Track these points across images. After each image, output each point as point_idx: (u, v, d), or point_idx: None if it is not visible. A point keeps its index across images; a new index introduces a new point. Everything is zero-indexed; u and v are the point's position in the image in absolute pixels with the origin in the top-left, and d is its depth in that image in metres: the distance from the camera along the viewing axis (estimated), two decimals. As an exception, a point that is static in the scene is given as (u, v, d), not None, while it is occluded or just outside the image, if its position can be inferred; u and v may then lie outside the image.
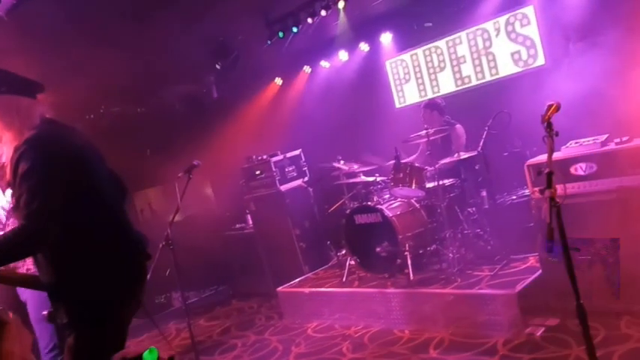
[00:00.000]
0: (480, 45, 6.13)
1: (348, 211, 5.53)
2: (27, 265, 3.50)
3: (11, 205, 2.49)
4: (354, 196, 5.75)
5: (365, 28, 6.72)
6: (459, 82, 6.41)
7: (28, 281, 2.66)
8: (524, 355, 3.72)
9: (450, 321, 4.46)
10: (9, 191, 3.65)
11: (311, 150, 7.14)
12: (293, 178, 6.83)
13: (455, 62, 6.40)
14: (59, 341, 3.77)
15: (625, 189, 3.74)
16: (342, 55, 7.28)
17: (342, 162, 5.66)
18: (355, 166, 5.58)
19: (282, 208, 6.63)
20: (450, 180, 5.28)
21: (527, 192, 5.07)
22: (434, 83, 6.67)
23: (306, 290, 5.74)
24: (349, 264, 5.56)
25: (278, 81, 8.25)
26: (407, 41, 6.79)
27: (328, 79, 7.62)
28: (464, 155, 5.00)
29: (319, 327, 5.37)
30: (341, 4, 5.46)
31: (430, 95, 6.65)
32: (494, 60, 6.06)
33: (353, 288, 5.32)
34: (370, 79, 7.23)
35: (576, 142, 4.09)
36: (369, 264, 5.36)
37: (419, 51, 6.72)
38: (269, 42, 5.97)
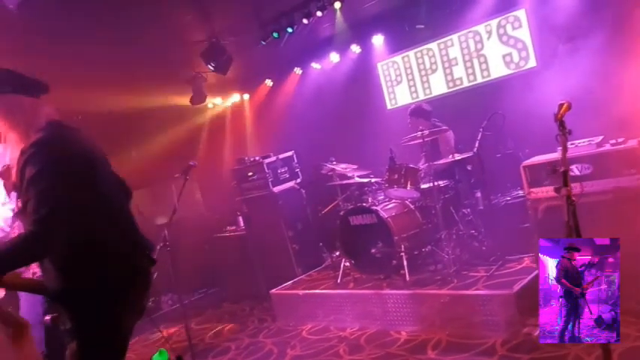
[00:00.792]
0: (472, 47, 6.17)
1: (342, 213, 5.51)
2: (33, 269, 3.41)
3: (17, 209, 2.41)
4: (348, 197, 5.73)
5: (356, 30, 6.71)
6: (451, 84, 6.45)
7: (32, 286, 2.60)
8: (523, 355, 3.74)
9: (447, 322, 4.47)
10: (11, 195, 3.57)
11: (303, 151, 7.13)
12: (286, 180, 6.81)
13: (447, 64, 6.44)
14: (48, 350, 3.63)
15: (620, 189, 3.80)
16: (334, 57, 7.27)
17: (335, 163, 5.65)
18: (348, 168, 5.57)
19: (274, 209, 6.60)
20: (445, 181, 5.30)
21: (521, 193, 5.12)
22: (425, 85, 6.69)
23: (300, 292, 5.70)
24: (344, 265, 5.55)
25: (268, 82, 8.23)
26: (399, 43, 6.81)
27: (319, 81, 7.61)
28: (458, 156, 5.02)
29: (314, 329, 5.35)
30: (337, 5, 5.43)
31: (422, 97, 6.69)
32: (485, 62, 6.11)
33: (348, 289, 5.31)
34: (362, 81, 7.23)
35: (571, 144, 4.13)
36: (364, 265, 5.36)
37: (411, 53, 6.74)
38: (263, 42, 5.92)
